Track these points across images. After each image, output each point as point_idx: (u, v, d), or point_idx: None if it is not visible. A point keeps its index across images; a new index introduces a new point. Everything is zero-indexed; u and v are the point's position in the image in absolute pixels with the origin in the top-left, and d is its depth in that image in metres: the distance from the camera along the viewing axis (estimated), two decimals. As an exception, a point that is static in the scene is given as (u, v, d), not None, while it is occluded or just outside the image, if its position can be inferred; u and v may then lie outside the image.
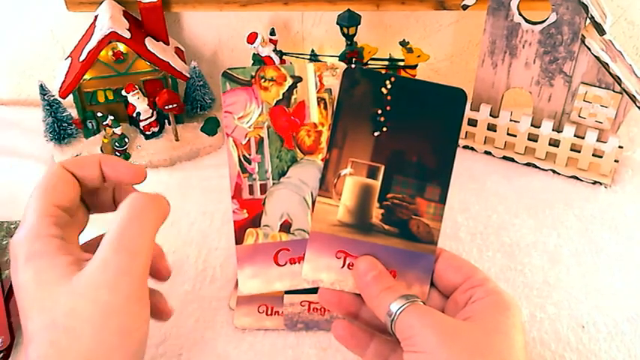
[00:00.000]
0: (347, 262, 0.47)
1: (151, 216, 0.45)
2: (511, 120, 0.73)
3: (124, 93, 0.76)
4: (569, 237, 0.65)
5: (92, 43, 0.72)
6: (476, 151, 0.77)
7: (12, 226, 0.65)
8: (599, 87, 0.67)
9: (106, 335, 0.41)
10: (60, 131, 0.76)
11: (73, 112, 0.78)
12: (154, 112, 0.77)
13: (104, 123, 0.74)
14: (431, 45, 0.82)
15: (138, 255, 0.43)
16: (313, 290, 0.48)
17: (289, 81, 0.48)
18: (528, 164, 0.74)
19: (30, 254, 0.42)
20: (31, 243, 0.43)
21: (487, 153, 0.76)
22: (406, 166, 0.48)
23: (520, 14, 0.67)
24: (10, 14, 0.83)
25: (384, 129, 0.48)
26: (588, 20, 0.64)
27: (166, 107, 0.74)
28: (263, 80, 0.48)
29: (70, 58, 0.77)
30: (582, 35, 0.65)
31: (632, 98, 0.66)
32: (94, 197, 0.50)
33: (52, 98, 0.75)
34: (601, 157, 0.70)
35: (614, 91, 0.66)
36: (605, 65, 0.65)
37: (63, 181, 0.46)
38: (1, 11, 0.82)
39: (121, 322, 0.41)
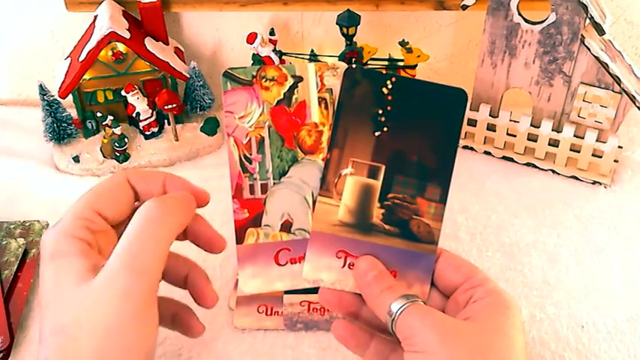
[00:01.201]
0: (347, 262, 0.47)
1: (166, 227, 0.44)
2: (511, 120, 0.73)
3: (123, 93, 0.76)
4: (569, 237, 0.65)
5: (92, 43, 0.72)
6: (475, 151, 0.77)
7: (12, 226, 0.65)
8: (598, 87, 0.67)
9: (108, 352, 0.40)
10: (59, 131, 0.76)
11: (73, 112, 0.78)
12: (154, 112, 0.77)
13: (104, 123, 0.74)
14: (430, 45, 0.82)
15: (145, 274, 0.42)
16: (313, 290, 0.48)
17: (290, 81, 0.48)
18: (528, 164, 0.74)
19: (54, 252, 0.43)
20: (56, 241, 0.43)
21: (487, 153, 0.76)
22: (407, 166, 0.48)
23: (520, 14, 0.67)
24: (10, 14, 0.82)
25: (385, 129, 0.48)
26: (588, 20, 0.64)
27: (166, 107, 0.74)
28: (264, 80, 0.48)
29: (69, 58, 0.77)
30: (582, 35, 0.65)
31: (632, 98, 0.66)
32: None
33: (51, 98, 0.75)
34: (600, 157, 0.70)
35: (613, 91, 0.66)
36: (605, 65, 0.65)
37: (117, 190, 0.47)
38: (1, 11, 0.82)
39: (124, 341, 0.41)
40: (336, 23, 0.74)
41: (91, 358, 0.40)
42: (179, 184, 0.49)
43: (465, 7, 0.70)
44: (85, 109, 0.78)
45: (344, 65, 0.48)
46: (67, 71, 0.75)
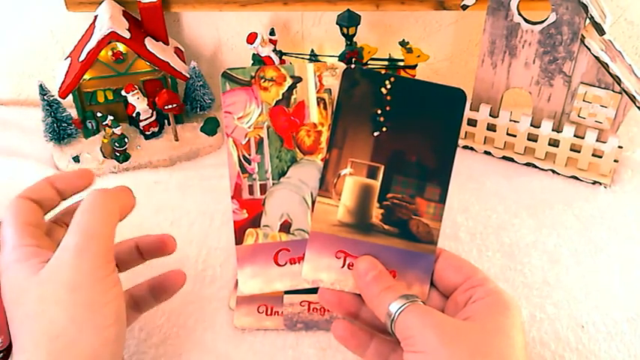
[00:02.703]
0: (347, 262, 0.47)
1: (109, 204, 0.47)
2: (511, 120, 0.73)
3: (123, 93, 0.76)
4: (569, 237, 0.65)
5: (92, 43, 0.72)
6: (475, 151, 0.77)
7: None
8: (598, 87, 0.67)
9: (73, 310, 0.42)
10: (60, 131, 0.77)
11: (73, 112, 0.78)
12: (154, 112, 0.77)
13: (104, 123, 0.74)
14: (430, 45, 0.82)
15: (95, 237, 0.44)
16: (313, 290, 0.48)
17: (289, 81, 0.48)
18: (528, 164, 0.74)
19: (7, 264, 0.45)
20: (9, 255, 0.45)
21: (487, 153, 0.76)
22: (406, 166, 0.48)
23: (520, 14, 0.67)
24: (10, 14, 0.82)
25: (384, 129, 0.48)
26: (588, 20, 0.64)
27: (166, 107, 0.74)
28: (263, 80, 0.48)
29: (69, 58, 0.77)
30: (582, 35, 0.65)
31: (632, 98, 0.66)
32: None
33: (51, 98, 0.75)
34: (600, 157, 0.70)
35: (613, 91, 0.66)
36: (605, 65, 0.65)
37: (26, 208, 0.49)
38: (1, 11, 0.82)
39: (86, 296, 0.43)
40: (337, 23, 0.74)
41: (58, 322, 0.42)
42: (61, 176, 0.52)
43: (465, 7, 0.70)
44: (85, 109, 0.78)
45: (343, 65, 0.48)
46: (67, 71, 0.75)
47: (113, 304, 0.44)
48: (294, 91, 0.48)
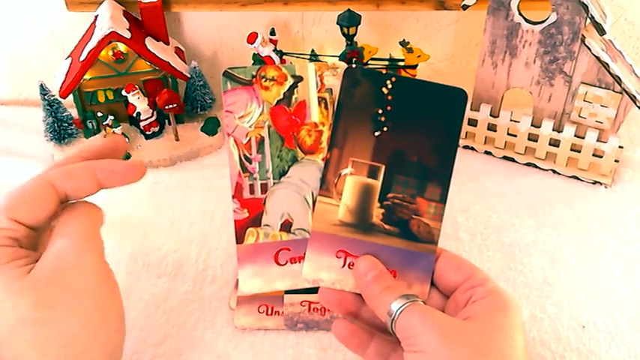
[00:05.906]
0: (347, 262, 0.47)
1: (94, 211, 0.45)
2: (511, 120, 0.73)
3: (124, 93, 0.76)
4: (569, 237, 0.65)
5: (92, 42, 0.72)
6: (476, 151, 0.77)
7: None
8: (599, 87, 0.67)
9: (83, 317, 0.41)
10: (60, 131, 0.76)
11: (74, 112, 0.78)
12: (154, 112, 0.77)
13: (104, 123, 0.74)
14: (431, 45, 0.82)
15: (92, 238, 0.43)
16: (313, 290, 0.48)
17: (290, 80, 0.48)
18: (528, 164, 0.74)
19: None
20: None
21: (487, 153, 0.76)
22: (407, 166, 0.48)
23: (520, 14, 0.67)
24: (10, 14, 0.83)
25: (385, 129, 0.48)
26: (588, 20, 0.64)
27: (166, 107, 0.74)
28: (264, 80, 0.48)
29: (70, 58, 0.77)
30: (582, 35, 0.65)
31: (633, 98, 0.66)
32: None
33: (52, 98, 0.75)
34: (601, 157, 0.70)
35: (614, 91, 0.66)
36: (606, 65, 0.65)
37: (37, 197, 0.44)
38: (1, 11, 0.82)
39: (94, 301, 0.41)
40: (337, 23, 0.74)
41: (69, 328, 0.40)
42: (109, 166, 0.45)
43: (465, 7, 0.70)
44: (85, 109, 0.78)
45: (344, 65, 0.48)
46: (68, 71, 0.75)
47: (116, 307, 0.44)
48: (295, 90, 0.48)
